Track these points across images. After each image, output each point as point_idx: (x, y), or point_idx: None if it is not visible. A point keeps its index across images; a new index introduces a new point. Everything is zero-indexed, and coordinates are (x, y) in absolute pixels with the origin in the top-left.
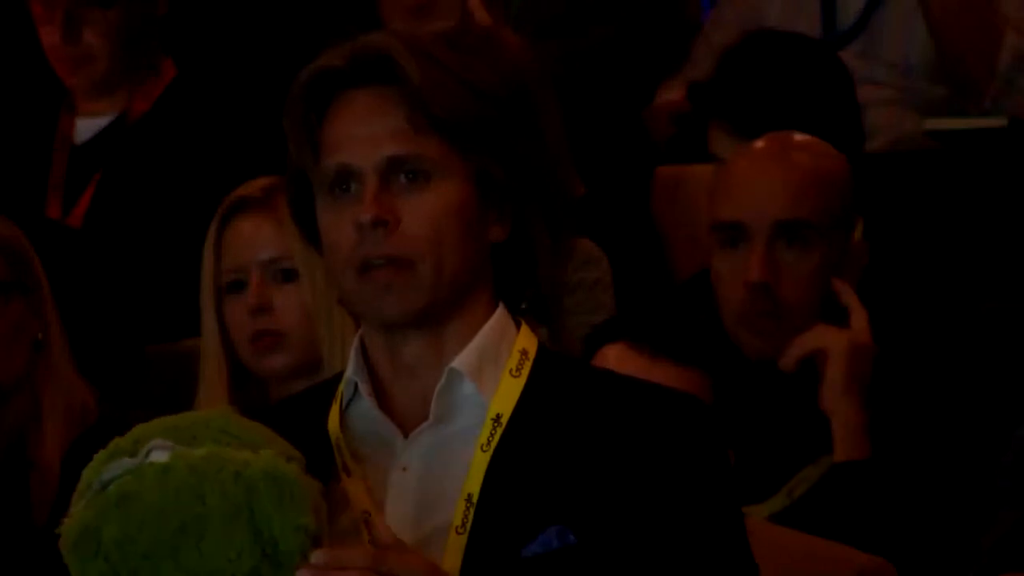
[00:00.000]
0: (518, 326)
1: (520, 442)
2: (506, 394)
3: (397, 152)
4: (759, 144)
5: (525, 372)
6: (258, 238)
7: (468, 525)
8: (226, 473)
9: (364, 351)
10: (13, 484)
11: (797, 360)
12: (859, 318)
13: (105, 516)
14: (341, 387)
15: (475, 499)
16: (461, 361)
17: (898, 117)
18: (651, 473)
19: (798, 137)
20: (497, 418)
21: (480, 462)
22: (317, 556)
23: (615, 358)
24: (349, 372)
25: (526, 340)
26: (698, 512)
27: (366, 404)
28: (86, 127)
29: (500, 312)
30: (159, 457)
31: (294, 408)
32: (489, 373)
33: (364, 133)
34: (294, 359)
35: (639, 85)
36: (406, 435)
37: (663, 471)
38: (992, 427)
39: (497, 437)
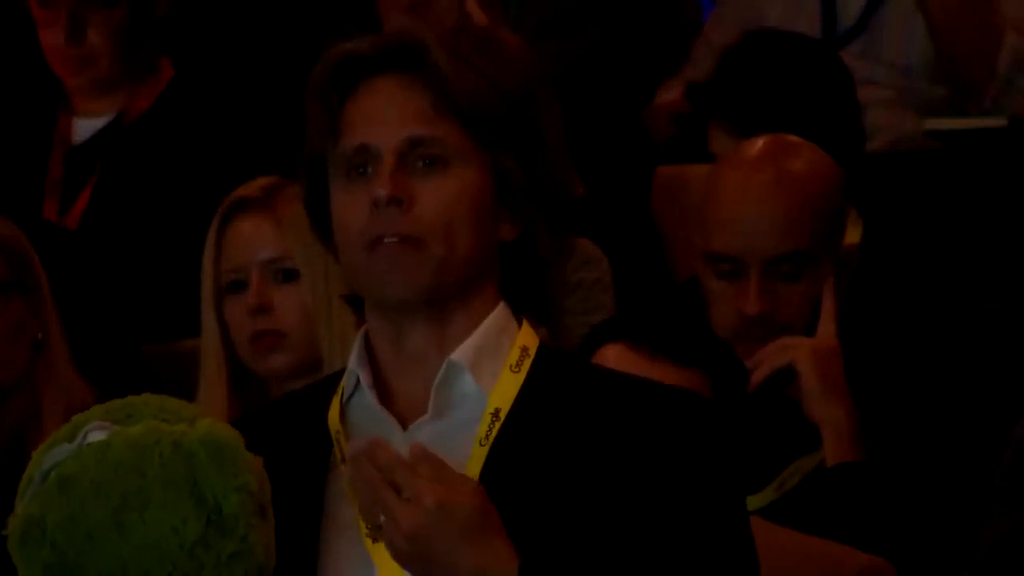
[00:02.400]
0: (520, 324)
1: (518, 437)
2: (505, 389)
3: (417, 133)
4: (748, 160)
5: (525, 368)
6: (258, 238)
7: None
8: (164, 444)
9: (367, 343)
10: (13, 484)
11: (764, 379)
12: (827, 322)
13: (48, 504)
14: (343, 380)
15: None
16: (460, 354)
17: (898, 117)
18: (651, 468)
19: (787, 148)
20: (496, 413)
21: (478, 456)
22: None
23: (614, 358)
24: (351, 364)
25: (527, 337)
26: (699, 508)
27: (367, 397)
28: (84, 127)
29: (501, 309)
30: (97, 437)
31: (295, 403)
32: (488, 368)
33: (386, 114)
34: (294, 359)
35: (639, 85)
36: (406, 428)
37: (663, 466)
38: (991, 427)
39: (495, 431)
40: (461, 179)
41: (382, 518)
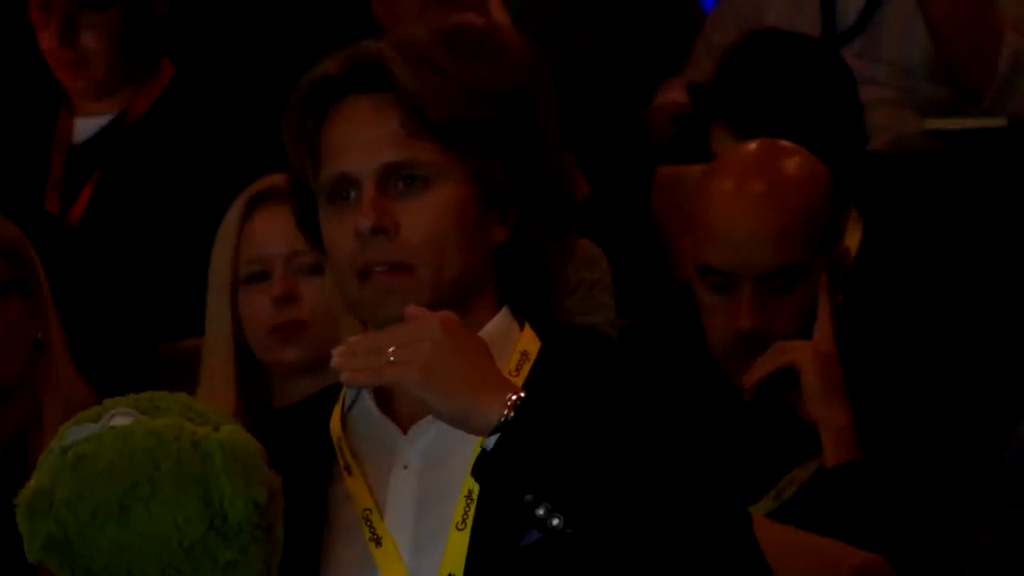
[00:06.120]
0: (522, 327)
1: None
2: None
3: (393, 158)
4: (738, 170)
5: (524, 373)
6: (284, 230)
7: (469, 521)
8: (184, 440)
9: None
10: (13, 485)
11: (761, 379)
12: (823, 325)
13: (60, 478)
14: (345, 389)
15: (475, 495)
16: None
17: (898, 117)
18: (646, 459)
19: (777, 156)
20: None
21: None
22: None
23: None
24: None
25: (528, 342)
26: (697, 497)
27: (368, 405)
28: (84, 127)
29: (503, 313)
30: (121, 422)
31: (299, 413)
32: None
33: (361, 140)
34: (310, 352)
35: (639, 85)
36: (406, 433)
37: (658, 456)
38: (992, 427)
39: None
40: (443, 195)
41: (391, 358)
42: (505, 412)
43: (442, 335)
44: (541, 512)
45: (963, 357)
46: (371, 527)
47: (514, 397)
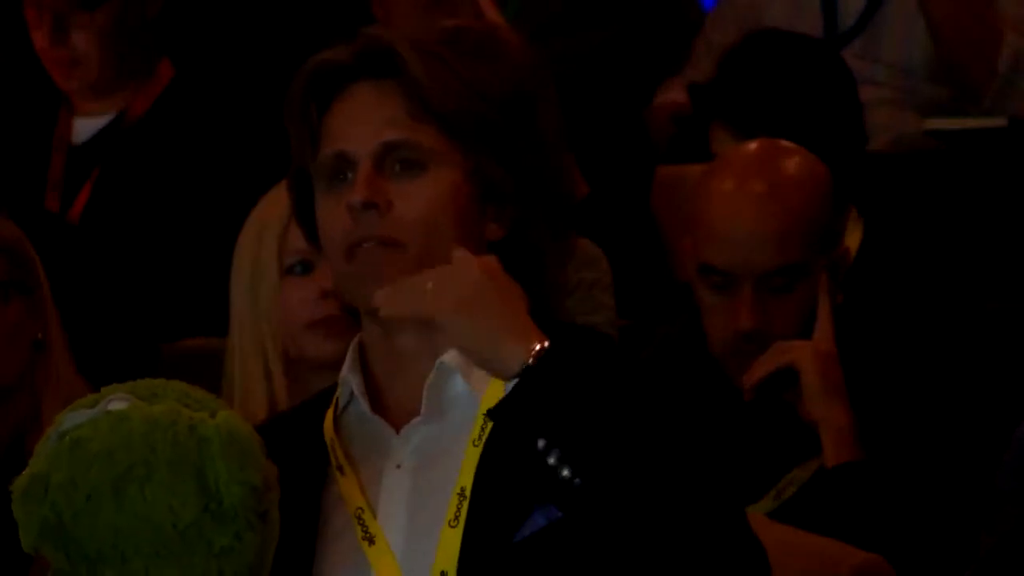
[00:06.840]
0: None
1: (511, 437)
2: (496, 391)
3: (392, 138)
4: (739, 170)
5: None
6: None
7: (461, 518)
8: (180, 425)
9: (362, 352)
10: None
11: (761, 379)
12: (823, 325)
13: (55, 463)
14: (338, 391)
15: (467, 493)
16: (451, 356)
17: (898, 117)
18: (652, 435)
19: (778, 156)
20: (488, 413)
21: (472, 457)
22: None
23: None
24: (345, 371)
25: None
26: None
27: (361, 405)
28: (84, 127)
29: None
30: (117, 407)
31: (294, 417)
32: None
33: (361, 121)
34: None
35: (639, 85)
36: (399, 433)
37: (663, 437)
38: (993, 427)
39: (488, 432)
40: (439, 181)
41: (429, 285)
42: (528, 360)
43: (481, 276)
44: (552, 460)
45: (963, 357)
46: (363, 526)
47: (538, 347)
